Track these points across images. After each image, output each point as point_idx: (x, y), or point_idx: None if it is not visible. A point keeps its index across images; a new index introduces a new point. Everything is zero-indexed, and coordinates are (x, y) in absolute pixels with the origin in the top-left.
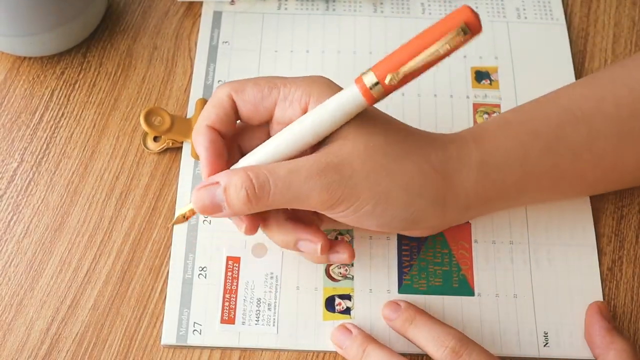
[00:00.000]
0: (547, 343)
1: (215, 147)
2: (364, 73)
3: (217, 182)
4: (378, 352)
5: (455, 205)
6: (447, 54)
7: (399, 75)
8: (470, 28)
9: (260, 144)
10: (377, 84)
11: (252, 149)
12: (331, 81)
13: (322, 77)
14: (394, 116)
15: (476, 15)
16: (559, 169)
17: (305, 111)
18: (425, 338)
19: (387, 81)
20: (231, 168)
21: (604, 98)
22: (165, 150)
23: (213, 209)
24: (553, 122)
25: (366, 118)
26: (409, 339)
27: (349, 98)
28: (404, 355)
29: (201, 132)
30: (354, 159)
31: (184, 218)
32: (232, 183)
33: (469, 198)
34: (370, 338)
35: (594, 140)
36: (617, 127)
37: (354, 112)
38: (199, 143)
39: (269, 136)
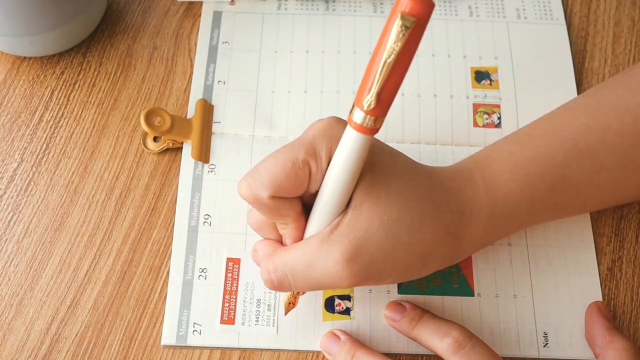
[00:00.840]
0: (546, 343)
1: (301, 235)
2: (350, 111)
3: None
4: (367, 357)
5: (462, 255)
6: (406, 51)
7: (372, 95)
8: (413, 14)
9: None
10: (365, 115)
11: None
12: (342, 122)
13: (333, 121)
14: (393, 116)
15: None
16: (561, 204)
17: None
18: (430, 332)
19: (366, 108)
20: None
21: (609, 127)
22: (165, 151)
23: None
24: (559, 159)
25: (375, 175)
26: (413, 338)
27: (352, 142)
28: (403, 355)
29: (293, 227)
30: (369, 240)
31: (292, 304)
32: (262, 266)
33: (475, 247)
34: (358, 343)
35: (597, 174)
36: (620, 158)
37: (365, 151)
38: (290, 238)
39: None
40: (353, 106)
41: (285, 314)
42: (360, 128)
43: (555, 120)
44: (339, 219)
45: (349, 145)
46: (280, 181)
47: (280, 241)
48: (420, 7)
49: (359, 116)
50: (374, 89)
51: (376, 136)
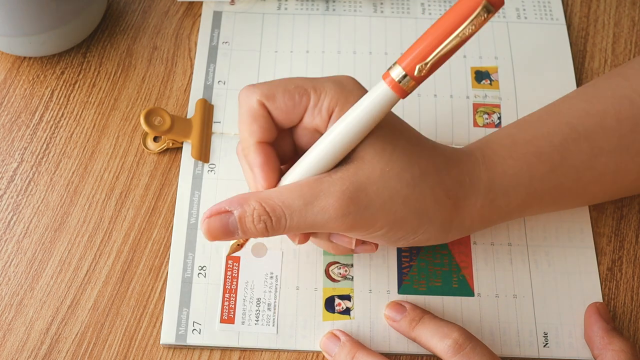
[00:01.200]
0: (546, 343)
1: (271, 163)
2: (390, 68)
3: (230, 211)
4: (367, 358)
5: (459, 228)
6: (472, 34)
7: (427, 64)
8: (493, 4)
9: (284, 144)
10: (405, 76)
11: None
12: (358, 83)
13: (349, 78)
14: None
15: None
16: (561, 188)
17: (330, 117)
18: (430, 333)
19: (416, 72)
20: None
21: (606, 112)
22: (165, 151)
23: (225, 235)
24: (557, 140)
25: (383, 132)
26: (413, 339)
27: (380, 96)
28: (403, 356)
29: (253, 151)
30: (369, 186)
31: (239, 246)
32: (247, 214)
33: (473, 221)
34: (358, 344)
35: (596, 158)
36: (618, 142)
37: (387, 110)
38: (254, 163)
39: (292, 138)
40: (395, 64)
41: (229, 254)
42: (395, 86)
43: (553, 108)
44: (341, 165)
45: (378, 99)
46: (274, 92)
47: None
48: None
49: (399, 75)
50: (433, 57)
51: None
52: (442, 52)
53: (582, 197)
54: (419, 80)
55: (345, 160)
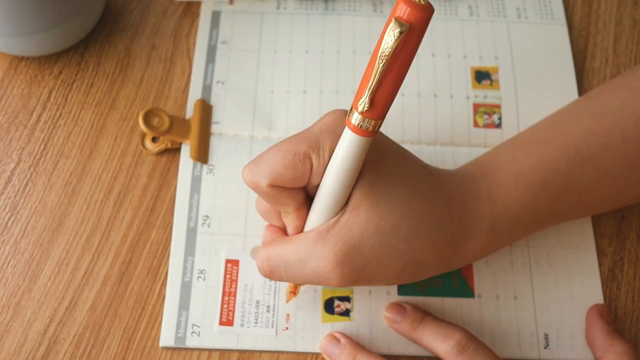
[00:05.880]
0: (547, 345)
1: (304, 217)
2: (348, 112)
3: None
4: None
5: (459, 264)
6: (401, 56)
7: (366, 98)
8: (409, 20)
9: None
10: (361, 117)
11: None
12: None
13: (338, 115)
14: (393, 116)
15: (411, 4)
16: (563, 213)
17: None
18: (432, 334)
19: (359, 109)
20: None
21: (612, 133)
22: (164, 151)
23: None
24: (562, 167)
25: (378, 177)
26: (414, 340)
27: (350, 142)
28: (403, 357)
29: (294, 217)
30: (364, 245)
31: (292, 294)
32: (258, 257)
33: (475, 257)
34: (359, 347)
35: (600, 181)
36: (623, 163)
37: (364, 152)
38: (292, 226)
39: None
40: (351, 108)
41: (287, 302)
42: (356, 130)
43: (559, 126)
44: (337, 217)
45: (346, 146)
46: (279, 171)
47: (284, 229)
48: (417, 13)
49: (355, 118)
50: (368, 92)
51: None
52: (375, 82)
53: (583, 214)
54: (373, 116)
55: (344, 206)
